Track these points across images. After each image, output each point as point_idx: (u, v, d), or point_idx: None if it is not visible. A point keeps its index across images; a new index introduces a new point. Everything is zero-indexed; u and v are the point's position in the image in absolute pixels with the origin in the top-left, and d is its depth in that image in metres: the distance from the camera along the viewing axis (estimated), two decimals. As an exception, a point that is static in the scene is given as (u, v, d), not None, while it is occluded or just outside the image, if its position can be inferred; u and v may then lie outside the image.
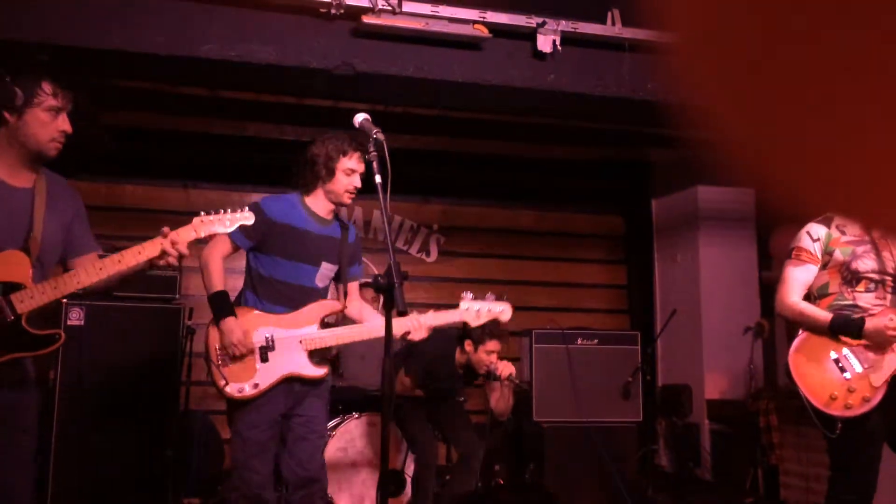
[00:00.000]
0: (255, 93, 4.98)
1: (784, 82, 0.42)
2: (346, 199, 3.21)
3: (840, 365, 3.09)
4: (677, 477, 6.24)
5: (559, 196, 7.20)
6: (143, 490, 4.79)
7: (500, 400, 4.61)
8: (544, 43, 4.24)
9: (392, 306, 2.31)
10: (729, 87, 0.45)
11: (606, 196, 7.42)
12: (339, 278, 3.33)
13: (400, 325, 3.10)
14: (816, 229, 3.21)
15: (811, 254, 3.20)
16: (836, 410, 3.02)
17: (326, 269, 3.25)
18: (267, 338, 3.09)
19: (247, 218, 2.68)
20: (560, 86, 4.33)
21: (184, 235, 2.51)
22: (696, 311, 6.39)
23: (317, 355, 3.17)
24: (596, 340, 5.72)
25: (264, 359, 3.08)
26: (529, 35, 4.27)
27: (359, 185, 3.18)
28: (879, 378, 3.04)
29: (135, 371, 4.88)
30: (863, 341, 3.08)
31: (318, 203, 3.23)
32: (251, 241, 3.14)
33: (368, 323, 3.26)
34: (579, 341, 5.67)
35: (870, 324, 3.03)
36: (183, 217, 2.73)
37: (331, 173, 3.15)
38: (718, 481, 6.00)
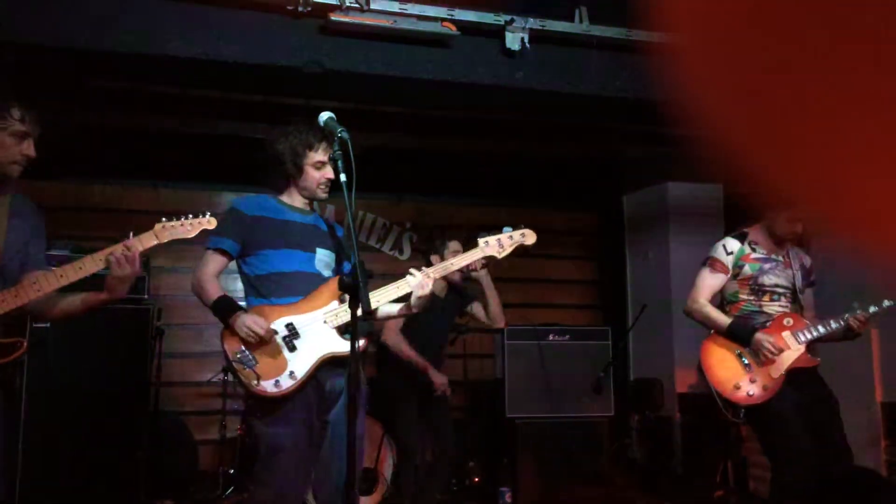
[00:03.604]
0: (224, 91, 4.94)
1: (757, 80, 0.43)
2: (321, 194, 3.04)
3: (743, 358, 3.54)
4: (650, 470, 6.30)
5: (532, 193, 7.22)
6: (114, 492, 4.74)
7: (491, 305, 4.55)
8: (513, 41, 4.25)
9: (357, 305, 2.30)
10: (700, 84, 0.46)
11: (579, 192, 7.45)
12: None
13: (404, 286, 2.94)
14: (731, 244, 3.69)
15: (724, 265, 3.67)
16: (739, 398, 3.47)
17: (324, 256, 3.04)
18: (287, 325, 2.84)
19: (209, 223, 2.66)
20: (529, 83, 4.35)
21: (145, 241, 2.50)
22: (667, 306, 6.46)
23: (347, 330, 2.84)
24: (568, 336, 5.75)
25: (292, 348, 2.82)
26: (498, 33, 4.28)
27: (331, 175, 2.97)
28: (777, 370, 3.48)
29: (103, 372, 4.84)
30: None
31: (292, 198, 3.08)
32: (237, 243, 2.93)
33: (393, 283, 2.99)
34: (551, 337, 5.70)
35: (757, 337, 3.50)
36: (153, 217, 2.70)
37: (300, 170, 2.99)
38: (690, 474, 6.08)
